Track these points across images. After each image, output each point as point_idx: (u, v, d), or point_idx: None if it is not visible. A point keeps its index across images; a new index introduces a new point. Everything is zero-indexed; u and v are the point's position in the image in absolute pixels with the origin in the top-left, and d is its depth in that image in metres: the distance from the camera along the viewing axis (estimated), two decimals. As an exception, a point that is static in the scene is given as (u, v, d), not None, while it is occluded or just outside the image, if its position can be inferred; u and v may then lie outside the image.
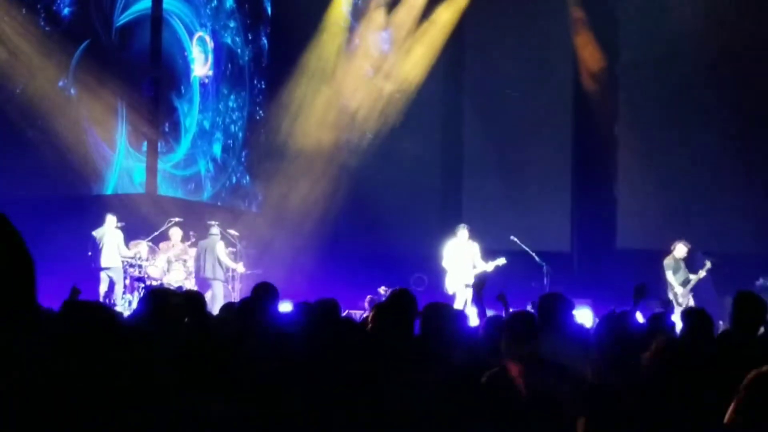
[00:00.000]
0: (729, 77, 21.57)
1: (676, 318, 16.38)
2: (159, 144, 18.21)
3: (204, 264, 18.25)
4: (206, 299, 17.10)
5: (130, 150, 18.28)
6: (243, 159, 21.88)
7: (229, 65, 20.65)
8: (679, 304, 17.55)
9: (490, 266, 17.92)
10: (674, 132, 21.97)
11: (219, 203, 21.91)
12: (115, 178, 18.83)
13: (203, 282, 18.13)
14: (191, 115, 19.15)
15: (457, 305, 16.91)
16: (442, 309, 6.61)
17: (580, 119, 22.95)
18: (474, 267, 18.04)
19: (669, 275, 18.27)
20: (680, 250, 18.48)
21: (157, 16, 17.59)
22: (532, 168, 22.82)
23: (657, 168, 22.09)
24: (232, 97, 21.07)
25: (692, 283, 18.07)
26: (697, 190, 21.70)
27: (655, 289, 20.43)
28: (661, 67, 22.07)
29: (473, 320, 9.78)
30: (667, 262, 18.41)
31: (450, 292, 17.96)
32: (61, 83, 16.83)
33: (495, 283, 16.71)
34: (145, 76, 18.19)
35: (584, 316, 16.97)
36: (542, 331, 7.25)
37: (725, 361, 5.76)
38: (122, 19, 17.69)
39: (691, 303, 17.45)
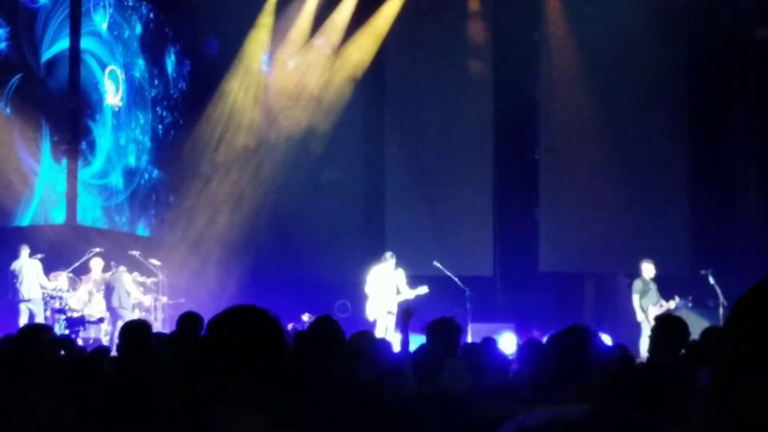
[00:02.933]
0: (649, 100, 21.90)
1: (645, 344, 16.44)
2: (78, 161, 19.99)
3: (111, 295, 18.20)
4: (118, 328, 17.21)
5: (53, 164, 19.69)
6: (151, 157, 23.04)
7: (138, 94, 22.54)
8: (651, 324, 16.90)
9: (411, 294, 17.84)
10: (595, 156, 22.18)
11: (141, 232, 22.47)
12: (39, 193, 19.71)
13: (114, 312, 18.09)
14: (105, 136, 21.12)
15: (378, 332, 16.85)
16: (366, 336, 6.61)
17: (500, 145, 23.08)
18: (398, 293, 17.96)
19: (635, 299, 17.55)
20: (647, 270, 17.78)
21: (74, 55, 19.76)
22: (454, 193, 22.89)
23: (578, 191, 22.30)
24: (141, 116, 22.64)
25: (662, 309, 17.00)
26: (618, 213, 21.91)
27: (575, 313, 20.67)
28: (580, 92, 22.31)
29: (395, 347, 9.79)
30: (635, 285, 17.73)
31: (371, 318, 17.81)
32: (-1, 103, 18.75)
33: (418, 309, 16.79)
34: (65, 104, 19.85)
35: (508, 340, 17.04)
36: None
37: (646, 385, 5.80)
38: (47, 54, 19.64)
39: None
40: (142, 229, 22.74)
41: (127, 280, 18.46)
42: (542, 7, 22.84)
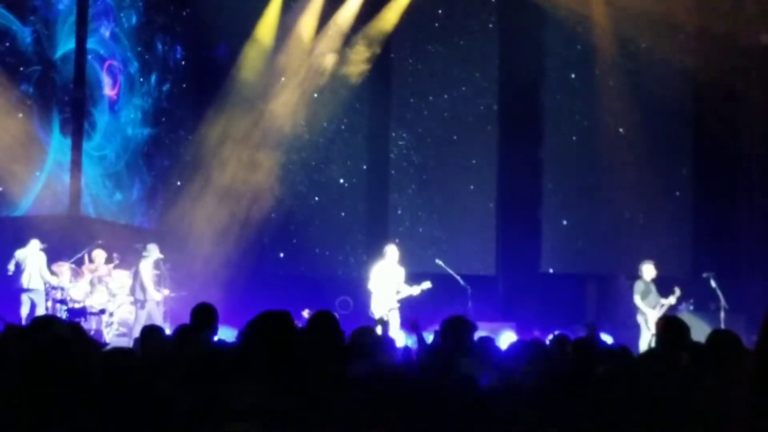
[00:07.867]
0: (654, 103, 21.86)
1: (644, 344, 16.52)
2: (82, 151, 21.80)
3: (134, 285, 18.21)
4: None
5: (61, 138, 21.56)
6: (144, 122, 24.34)
7: (133, 86, 24.19)
8: (649, 329, 16.72)
9: (416, 290, 17.64)
10: (599, 157, 22.16)
11: (136, 223, 23.23)
12: (51, 162, 21.35)
13: (137, 302, 18.15)
14: (103, 119, 23.01)
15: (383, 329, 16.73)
16: (370, 332, 6.61)
17: (505, 144, 23.06)
18: (398, 292, 17.73)
19: (636, 299, 17.66)
20: (648, 271, 17.93)
21: (80, 54, 21.99)
22: (458, 192, 22.88)
23: (581, 193, 22.30)
24: (135, 100, 24.18)
25: (664, 308, 17.29)
26: (621, 215, 21.92)
27: (576, 314, 20.66)
28: (584, 90, 22.33)
29: (400, 344, 9.83)
30: (636, 285, 17.87)
31: (376, 316, 17.61)
32: (23, 87, 20.92)
33: (420, 305, 16.79)
34: (72, 94, 21.74)
35: (508, 339, 17.01)
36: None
37: (647, 383, 5.82)
38: (59, 52, 21.83)
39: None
40: (137, 191, 23.59)
41: (146, 272, 18.35)
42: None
